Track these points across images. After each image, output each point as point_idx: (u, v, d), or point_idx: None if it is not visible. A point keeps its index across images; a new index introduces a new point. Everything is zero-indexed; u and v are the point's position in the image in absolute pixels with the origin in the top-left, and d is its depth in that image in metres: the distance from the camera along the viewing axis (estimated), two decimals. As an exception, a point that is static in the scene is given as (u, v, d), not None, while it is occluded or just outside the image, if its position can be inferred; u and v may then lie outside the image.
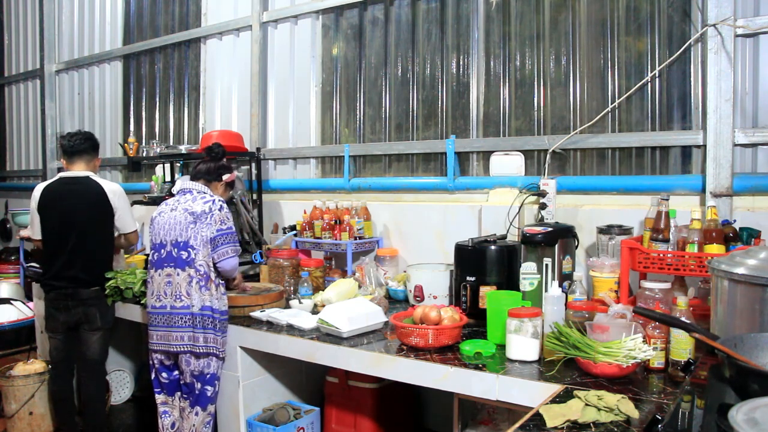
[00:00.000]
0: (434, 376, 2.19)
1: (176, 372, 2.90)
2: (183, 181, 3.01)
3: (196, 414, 2.80)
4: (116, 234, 3.39)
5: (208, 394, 2.81)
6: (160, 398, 2.93)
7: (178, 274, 2.77)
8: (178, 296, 2.77)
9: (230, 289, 3.04)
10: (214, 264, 2.81)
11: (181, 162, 4.32)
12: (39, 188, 3.32)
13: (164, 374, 2.90)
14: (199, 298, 2.75)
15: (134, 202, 4.22)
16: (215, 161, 3.04)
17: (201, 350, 2.75)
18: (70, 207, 3.21)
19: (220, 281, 2.86)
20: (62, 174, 3.37)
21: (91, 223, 3.23)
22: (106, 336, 3.34)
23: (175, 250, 2.79)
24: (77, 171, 3.32)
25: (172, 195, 3.08)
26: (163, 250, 2.83)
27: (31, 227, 3.41)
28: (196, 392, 2.80)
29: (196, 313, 2.75)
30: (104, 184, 3.29)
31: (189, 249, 2.77)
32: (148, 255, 3.91)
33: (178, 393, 2.91)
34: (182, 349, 2.77)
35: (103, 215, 3.26)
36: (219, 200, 2.88)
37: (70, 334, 3.31)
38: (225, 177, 3.03)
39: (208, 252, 2.79)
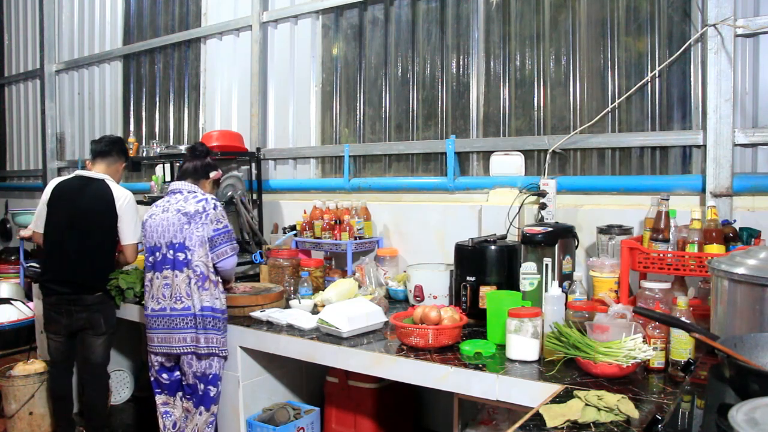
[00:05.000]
0: (434, 376, 2.19)
1: (177, 373, 2.89)
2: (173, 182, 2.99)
3: (200, 414, 2.81)
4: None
5: (212, 394, 2.81)
6: (160, 399, 2.92)
7: (176, 276, 2.76)
8: (177, 298, 2.76)
9: (226, 290, 3.03)
10: (214, 264, 2.80)
11: (181, 162, 4.31)
12: (53, 182, 3.32)
13: (164, 375, 2.90)
14: (198, 299, 2.74)
15: (134, 202, 4.23)
16: (200, 159, 3.01)
17: (203, 351, 2.75)
18: (78, 205, 3.19)
19: (218, 280, 2.84)
20: (79, 172, 3.36)
21: (95, 225, 3.19)
22: (109, 339, 3.33)
23: (171, 252, 2.77)
24: (94, 172, 3.31)
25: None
26: (158, 253, 2.81)
27: (35, 220, 3.36)
28: (200, 393, 2.80)
29: (197, 313, 2.74)
30: (115, 189, 3.24)
31: (185, 250, 2.75)
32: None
33: (180, 393, 2.90)
34: (185, 351, 2.77)
35: (107, 219, 3.20)
36: (212, 198, 2.86)
37: (72, 337, 3.30)
38: (212, 174, 3.01)
39: (205, 252, 2.77)
